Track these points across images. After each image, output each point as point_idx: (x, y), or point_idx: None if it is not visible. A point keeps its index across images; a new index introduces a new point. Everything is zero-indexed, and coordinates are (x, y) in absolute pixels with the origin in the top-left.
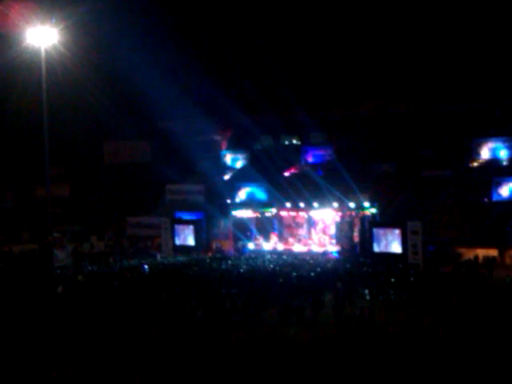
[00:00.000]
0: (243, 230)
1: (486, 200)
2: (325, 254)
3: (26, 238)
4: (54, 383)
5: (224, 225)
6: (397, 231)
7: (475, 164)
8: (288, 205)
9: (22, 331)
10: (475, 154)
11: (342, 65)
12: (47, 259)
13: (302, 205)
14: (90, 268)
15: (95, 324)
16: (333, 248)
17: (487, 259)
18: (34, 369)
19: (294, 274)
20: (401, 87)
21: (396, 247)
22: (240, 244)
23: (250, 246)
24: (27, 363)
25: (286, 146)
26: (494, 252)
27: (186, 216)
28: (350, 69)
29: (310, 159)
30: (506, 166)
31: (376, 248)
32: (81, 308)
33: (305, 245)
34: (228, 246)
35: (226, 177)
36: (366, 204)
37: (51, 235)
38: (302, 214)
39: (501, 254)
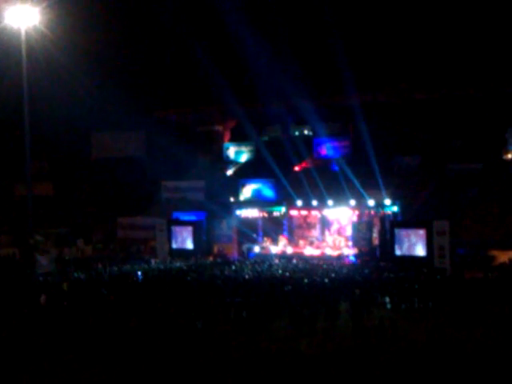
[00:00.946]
0: (248, 231)
1: None
2: (340, 258)
3: (5, 242)
4: None
5: (227, 226)
6: (421, 232)
7: (509, 156)
8: (299, 203)
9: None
10: (509, 144)
11: (359, 45)
12: (29, 265)
13: (314, 203)
14: (76, 275)
15: (82, 338)
16: (349, 251)
17: None
18: None
19: (306, 280)
20: (426, 70)
21: (420, 250)
22: (245, 247)
23: (256, 249)
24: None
25: (296, 137)
26: None
27: (184, 216)
28: (368, 50)
29: (324, 152)
30: None
31: (398, 251)
32: (66, 320)
33: (318, 248)
34: (231, 250)
35: (229, 172)
36: (387, 202)
37: (33, 239)
38: (314, 213)
39: None
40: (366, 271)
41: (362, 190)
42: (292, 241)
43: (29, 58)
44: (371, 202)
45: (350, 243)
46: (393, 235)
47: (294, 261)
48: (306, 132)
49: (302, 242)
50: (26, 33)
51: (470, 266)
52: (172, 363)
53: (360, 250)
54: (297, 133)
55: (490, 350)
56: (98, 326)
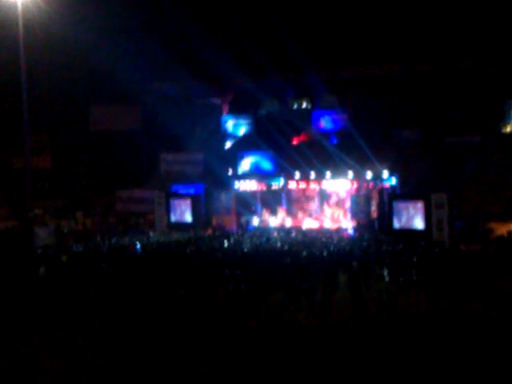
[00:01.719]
0: (247, 204)
1: None
2: (339, 230)
3: (4, 215)
4: (38, 376)
5: (225, 199)
6: (419, 205)
7: (508, 129)
8: (297, 176)
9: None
10: (508, 117)
11: (358, 17)
12: (27, 238)
13: (312, 176)
14: (75, 248)
15: (82, 310)
16: (348, 224)
17: None
18: (15, 360)
19: (304, 253)
20: (425, 43)
21: (419, 223)
22: (243, 220)
23: (255, 222)
24: (8, 353)
25: (294, 110)
26: None
27: (183, 189)
28: (367, 22)
29: (322, 125)
30: None
31: (396, 224)
32: (66, 292)
33: (316, 220)
34: (230, 223)
35: (228, 145)
36: (385, 175)
37: (31, 211)
38: (313, 185)
39: None
40: (365, 244)
41: (360, 163)
42: (291, 213)
43: (26, 30)
44: (369, 175)
45: (349, 216)
46: (391, 208)
47: (293, 234)
48: (304, 105)
49: (300, 215)
50: (23, 5)
51: (469, 239)
52: (172, 333)
53: (358, 223)
54: (295, 106)
55: (489, 322)
56: (97, 297)
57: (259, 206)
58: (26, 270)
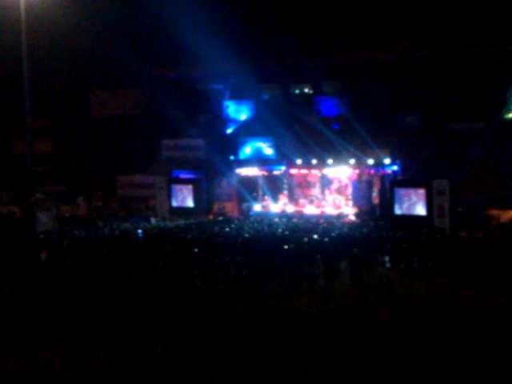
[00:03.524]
0: (249, 190)
1: None
2: (340, 216)
3: (6, 200)
4: (39, 362)
5: (227, 184)
6: (421, 191)
7: (511, 115)
8: (299, 162)
9: (2, 303)
10: (511, 103)
11: (361, 2)
12: (29, 223)
13: (314, 162)
14: (76, 233)
15: (84, 295)
16: (349, 210)
17: None
18: (17, 346)
19: (306, 239)
20: (427, 27)
21: (420, 209)
22: (245, 206)
23: (257, 208)
24: (9, 339)
25: (296, 95)
26: None
27: (185, 174)
28: (369, 7)
29: (324, 111)
30: None
31: (398, 210)
32: (67, 277)
33: (318, 207)
34: (231, 208)
35: (229, 130)
36: (387, 161)
37: (34, 196)
38: (314, 172)
39: None
40: (366, 230)
41: (362, 149)
42: (292, 199)
43: (28, 15)
44: (371, 161)
45: (350, 202)
46: (392, 194)
47: (294, 219)
48: (306, 90)
49: (302, 201)
50: None
51: (470, 226)
52: (171, 320)
53: (360, 209)
54: (297, 91)
55: (488, 308)
56: (99, 282)
57: (261, 192)
58: (28, 254)
